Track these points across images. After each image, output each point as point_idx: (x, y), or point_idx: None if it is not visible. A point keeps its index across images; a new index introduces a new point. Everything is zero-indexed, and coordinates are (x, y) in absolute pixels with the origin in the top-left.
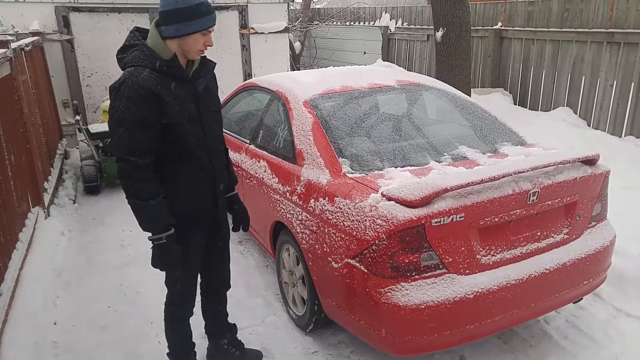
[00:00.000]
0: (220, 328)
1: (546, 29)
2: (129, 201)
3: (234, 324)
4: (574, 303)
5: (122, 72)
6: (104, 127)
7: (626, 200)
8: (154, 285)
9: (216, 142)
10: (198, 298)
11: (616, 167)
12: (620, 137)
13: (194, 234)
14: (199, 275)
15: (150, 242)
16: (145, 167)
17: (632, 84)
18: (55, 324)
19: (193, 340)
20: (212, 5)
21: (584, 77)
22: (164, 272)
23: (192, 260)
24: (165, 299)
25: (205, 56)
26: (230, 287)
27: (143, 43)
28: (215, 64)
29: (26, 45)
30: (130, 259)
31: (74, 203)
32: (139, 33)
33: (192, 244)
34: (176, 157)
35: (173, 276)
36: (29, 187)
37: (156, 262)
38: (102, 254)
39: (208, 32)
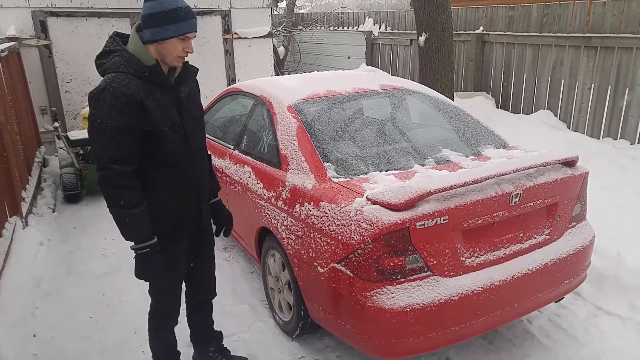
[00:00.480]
0: (206, 336)
1: (526, 34)
2: (111, 210)
3: (220, 331)
4: (555, 302)
5: (102, 78)
6: (84, 134)
7: (605, 201)
8: (137, 295)
9: (199, 149)
10: (183, 306)
11: (595, 168)
12: (599, 139)
13: (177, 242)
14: (184, 283)
15: (133, 251)
16: (128, 174)
17: (609, 87)
18: (35, 335)
19: (178, 349)
20: (195, 9)
21: (563, 81)
22: (148, 279)
23: (176, 269)
24: (149, 309)
25: (188, 62)
26: (215, 295)
27: (124, 48)
28: (197, 69)
29: (2, 50)
30: (113, 268)
31: (54, 212)
32: (119, 38)
33: (176, 252)
34: (159, 165)
35: (157, 286)
36: (5, 196)
37: (139, 272)
38: (84, 264)
39: (187, 38)
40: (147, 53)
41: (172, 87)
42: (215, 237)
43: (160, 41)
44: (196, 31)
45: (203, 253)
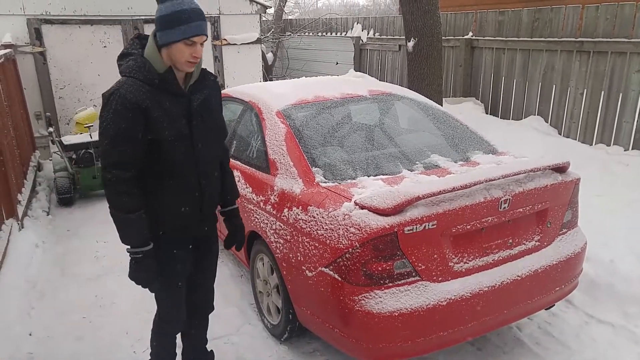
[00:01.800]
0: (198, 356)
1: (517, 39)
2: (110, 211)
3: (212, 351)
4: (546, 309)
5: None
6: (77, 138)
7: (597, 207)
8: (129, 296)
9: (209, 160)
10: None
11: (587, 174)
12: (591, 145)
13: (180, 249)
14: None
15: (128, 254)
16: (127, 180)
17: (602, 93)
18: (30, 335)
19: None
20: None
21: (554, 86)
22: (140, 284)
23: (177, 276)
24: (155, 313)
25: (206, 69)
26: (213, 309)
27: (139, 53)
28: (216, 77)
29: None
30: (105, 269)
31: (48, 215)
32: (139, 41)
33: (178, 260)
34: (161, 173)
35: (151, 291)
36: (2, 199)
37: (132, 275)
38: (77, 265)
39: (193, 42)
40: (160, 59)
41: (185, 94)
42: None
43: (168, 45)
44: (205, 35)
45: (206, 265)
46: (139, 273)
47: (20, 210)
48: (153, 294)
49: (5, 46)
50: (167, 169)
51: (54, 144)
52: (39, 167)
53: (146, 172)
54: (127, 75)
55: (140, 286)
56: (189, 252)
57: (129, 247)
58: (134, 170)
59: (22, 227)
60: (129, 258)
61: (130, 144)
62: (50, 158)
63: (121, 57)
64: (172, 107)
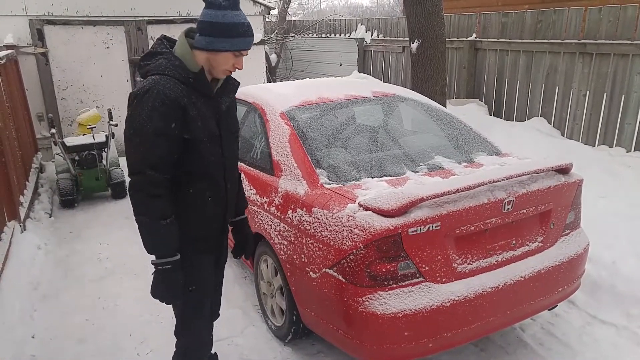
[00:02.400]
0: None
1: (520, 40)
2: (137, 219)
3: (215, 353)
4: (549, 310)
5: (143, 80)
6: (80, 140)
7: (600, 208)
8: (132, 298)
9: (234, 165)
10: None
11: (590, 176)
12: (594, 146)
13: (203, 260)
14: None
15: (153, 266)
16: (162, 183)
17: (605, 94)
18: (33, 337)
19: None
20: (187, 17)
21: (557, 88)
22: (142, 286)
23: (207, 291)
24: (175, 350)
25: (230, 75)
26: (219, 316)
27: (170, 51)
28: (239, 83)
29: (0, 58)
30: (108, 272)
31: (50, 217)
32: (167, 41)
33: (207, 272)
34: (193, 176)
35: (175, 309)
36: (4, 201)
37: (157, 291)
38: (79, 267)
39: (241, 55)
40: (194, 59)
41: (214, 97)
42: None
43: (214, 52)
44: (250, 49)
45: (220, 275)
46: (165, 286)
47: (22, 212)
48: (175, 324)
49: (7, 47)
50: (200, 171)
51: (56, 146)
52: (41, 169)
53: (176, 175)
54: (160, 73)
55: (163, 302)
56: (211, 262)
57: (156, 258)
58: (169, 172)
59: (24, 229)
60: (153, 271)
61: (169, 144)
62: (53, 160)
63: (149, 57)
64: (204, 108)
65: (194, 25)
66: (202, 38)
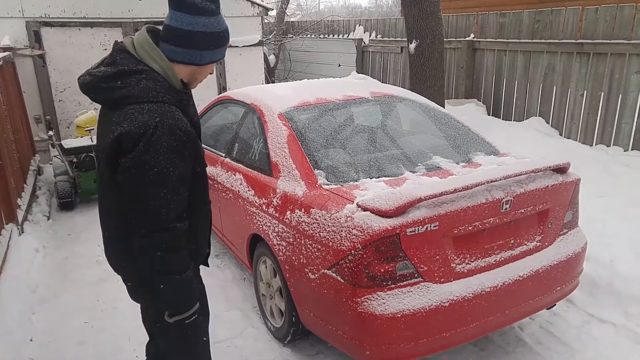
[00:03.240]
0: None
1: (518, 40)
2: (163, 279)
3: None
4: (547, 309)
5: (126, 109)
6: (77, 142)
7: (597, 207)
8: (130, 301)
9: None
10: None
11: (588, 175)
12: (592, 145)
13: (203, 296)
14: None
15: (175, 325)
16: (185, 232)
17: (602, 94)
18: (31, 340)
19: None
20: None
21: (555, 87)
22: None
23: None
24: None
25: None
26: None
27: (151, 68)
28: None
29: None
30: (107, 274)
31: (49, 219)
32: (126, 53)
33: (206, 307)
34: (196, 207)
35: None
36: (2, 204)
37: (187, 350)
38: (78, 270)
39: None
40: (175, 74)
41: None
42: None
43: (200, 65)
44: None
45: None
46: (198, 338)
47: (20, 214)
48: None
49: (4, 49)
50: (202, 199)
51: (54, 148)
52: (39, 171)
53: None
54: (154, 101)
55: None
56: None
57: (177, 313)
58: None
59: (22, 232)
60: (178, 329)
61: (188, 187)
62: (51, 162)
63: (119, 77)
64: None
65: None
66: (190, 51)
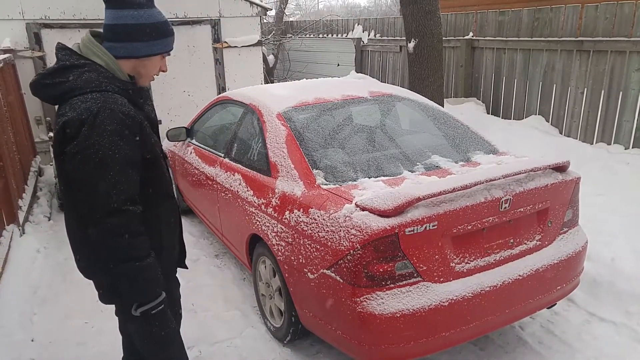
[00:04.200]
0: None
1: (517, 38)
2: (121, 267)
3: None
4: (548, 308)
5: (71, 101)
6: None
7: (599, 206)
8: None
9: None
10: None
11: (589, 173)
12: (592, 144)
13: (174, 291)
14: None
15: (142, 316)
16: (139, 216)
17: (602, 92)
18: (32, 340)
19: None
20: (185, 19)
21: (554, 86)
22: (163, 350)
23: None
24: None
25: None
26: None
27: (94, 62)
28: (149, 87)
29: None
30: None
31: (50, 220)
32: (69, 51)
33: (176, 302)
34: (156, 199)
35: (170, 352)
36: (3, 205)
37: (153, 342)
38: (79, 271)
39: (165, 56)
40: (121, 69)
41: (144, 108)
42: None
43: (143, 58)
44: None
45: (179, 304)
46: (163, 331)
47: (21, 216)
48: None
49: (5, 51)
50: (161, 191)
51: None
52: (39, 172)
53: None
54: (96, 90)
55: (162, 352)
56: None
57: (142, 304)
58: (140, 202)
59: (23, 233)
60: (145, 320)
61: (137, 170)
62: (51, 163)
63: (61, 72)
64: (144, 120)
65: (100, 30)
66: (126, 45)
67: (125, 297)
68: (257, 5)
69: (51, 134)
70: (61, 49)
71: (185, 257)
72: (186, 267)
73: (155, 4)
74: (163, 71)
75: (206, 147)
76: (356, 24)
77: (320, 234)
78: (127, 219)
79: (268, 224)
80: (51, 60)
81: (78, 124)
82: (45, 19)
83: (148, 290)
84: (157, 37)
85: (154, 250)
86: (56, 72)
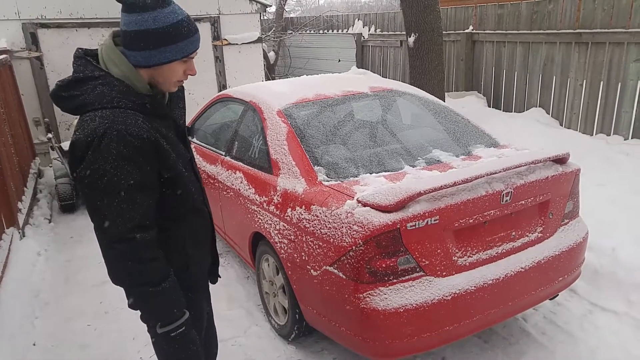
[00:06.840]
0: None
1: (516, 31)
2: (136, 291)
3: None
4: (550, 299)
5: (82, 117)
6: None
7: (598, 197)
8: None
9: (201, 181)
10: None
11: (589, 165)
12: (592, 135)
13: (203, 303)
14: None
15: (162, 336)
16: (153, 242)
17: (601, 83)
18: (34, 344)
19: None
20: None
21: (554, 78)
22: None
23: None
24: None
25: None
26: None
27: (108, 73)
28: (183, 87)
29: None
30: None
31: (50, 222)
32: (91, 58)
33: (203, 318)
34: (178, 215)
35: None
36: (2, 208)
37: None
38: (81, 272)
39: (190, 59)
40: (141, 77)
41: (171, 116)
42: None
43: (156, 66)
44: (199, 47)
45: (211, 314)
46: (184, 353)
47: (21, 218)
48: None
49: (1, 52)
50: (185, 207)
51: (53, 150)
52: (39, 174)
53: (159, 220)
54: (107, 107)
55: None
56: (208, 302)
57: (162, 324)
58: (155, 226)
59: (24, 236)
60: (165, 341)
61: (150, 194)
62: (51, 164)
63: (75, 85)
64: (167, 133)
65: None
66: (136, 54)
67: (143, 318)
68: (257, 1)
69: (50, 135)
70: (77, 57)
71: (217, 267)
72: (215, 281)
73: (168, 2)
74: (191, 74)
75: (207, 146)
76: (357, 20)
77: (322, 230)
78: (134, 247)
79: (270, 222)
80: (49, 61)
81: (84, 146)
82: (41, 19)
83: (165, 313)
84: (168, 42)
85: (179, 266)
86: (70, 85)
